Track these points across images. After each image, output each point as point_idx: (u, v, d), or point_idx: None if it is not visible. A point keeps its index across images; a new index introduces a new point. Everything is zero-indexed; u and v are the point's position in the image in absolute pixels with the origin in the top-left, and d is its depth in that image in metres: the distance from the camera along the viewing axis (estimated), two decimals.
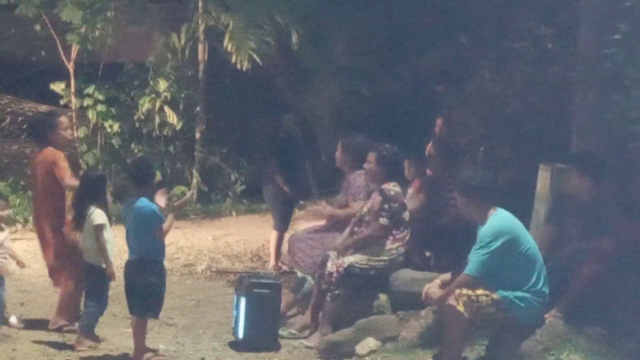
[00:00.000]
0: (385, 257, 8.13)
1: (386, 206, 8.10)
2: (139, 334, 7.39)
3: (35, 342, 7.85)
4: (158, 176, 10.66)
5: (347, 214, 8.63)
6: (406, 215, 8.22)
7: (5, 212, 7.80)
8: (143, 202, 7.35)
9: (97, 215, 7.61)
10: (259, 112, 16.08)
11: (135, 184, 7.56)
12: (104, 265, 7.61)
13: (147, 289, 7.33)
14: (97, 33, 15.28)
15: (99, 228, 7.58)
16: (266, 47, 15.22)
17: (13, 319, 8.28)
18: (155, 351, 7.52)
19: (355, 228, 8.31)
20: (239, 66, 14.90)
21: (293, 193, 10.99)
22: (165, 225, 7.37)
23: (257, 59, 14.88)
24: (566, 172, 7.71)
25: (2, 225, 7.91)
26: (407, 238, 8.23)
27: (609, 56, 7.96)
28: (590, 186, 7.37)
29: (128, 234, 7.46)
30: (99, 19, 15.12)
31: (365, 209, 8.29)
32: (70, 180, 8.10)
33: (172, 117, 15.89)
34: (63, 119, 8.44)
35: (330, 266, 8.05)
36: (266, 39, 15.25)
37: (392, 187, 8.17)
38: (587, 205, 7.34)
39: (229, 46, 14.98)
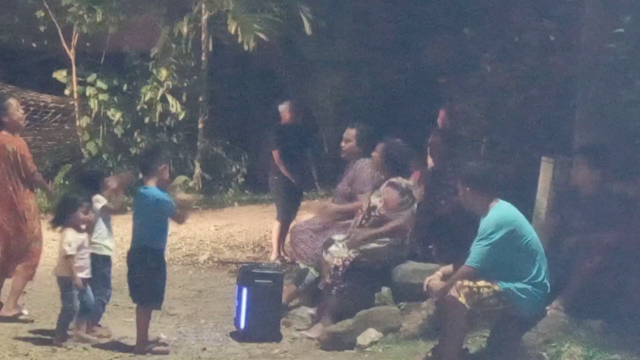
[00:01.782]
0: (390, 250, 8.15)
1: (403, 200, 8.12)
2: (142, 324, 7.39)
3: (36, 330, 7.88)
4: None
5: (354, 207, 8.56)
6: (414, 208, 8.23)
7: (89, 216, 7.65)
8: (149, 189, 7.37)
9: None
10: (262, 103, 16.09)
11: (142, 172, 7.57)
12: (105, 253, 7.65)
13: (148, 279, 7.35)
14: (97, 18, 15.29)
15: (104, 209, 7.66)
16: (272, 26, 15.19)
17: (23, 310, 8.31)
18: (157, 341, 7.53)
19: (364, 221, 8.30)
20: (245, 47, 14.84)
21: (298, 183, 10.95)
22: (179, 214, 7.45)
23: (264, 37, 14.85)
24: (572, 164, 7.69)
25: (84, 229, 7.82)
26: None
27: (612, 50, 7.94)
28: (597, 179, 7.36)
29: (134, 222, 7.49)
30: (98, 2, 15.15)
31: (374, 201, 8.26)
32: None
33: (175, 106, 15.89)
34: (11, 101, 8.50)
35: (336, 260, 8.06)
36: (275, 19, 15.21)
37: (402, 181, 8.17)
38: (591, 198, 7.34)
39: (233, 28, 14.88)
